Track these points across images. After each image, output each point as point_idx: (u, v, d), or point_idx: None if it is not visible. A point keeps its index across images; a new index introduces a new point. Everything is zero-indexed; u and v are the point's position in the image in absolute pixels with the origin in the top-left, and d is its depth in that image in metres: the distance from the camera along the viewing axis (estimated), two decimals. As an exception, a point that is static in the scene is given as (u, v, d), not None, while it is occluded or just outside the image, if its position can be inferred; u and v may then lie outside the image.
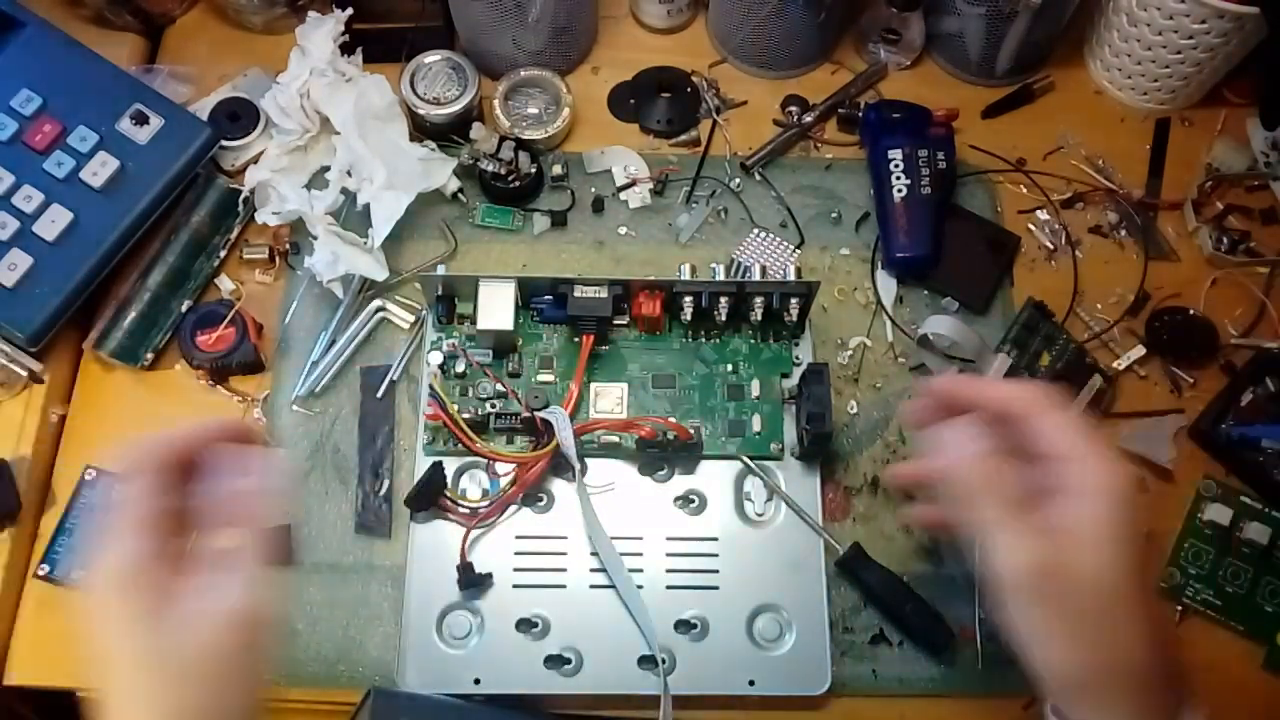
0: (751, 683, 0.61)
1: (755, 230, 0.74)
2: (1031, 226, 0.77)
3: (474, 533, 0.62)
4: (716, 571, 0.63)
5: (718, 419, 0.66)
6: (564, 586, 0.62)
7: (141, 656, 0.39)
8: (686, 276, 0.65)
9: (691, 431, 0.63)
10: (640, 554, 0.63)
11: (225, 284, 0.72)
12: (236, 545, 0.42)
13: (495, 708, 0.60)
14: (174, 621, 0.39)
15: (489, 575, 0.62)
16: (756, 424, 0.66)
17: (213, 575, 0.41)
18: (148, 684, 0.39)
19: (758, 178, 0.77)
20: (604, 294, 0.64)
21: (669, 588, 0.62)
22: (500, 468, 0.64)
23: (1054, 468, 0.45)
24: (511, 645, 0.61)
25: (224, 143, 0.73)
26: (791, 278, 0.65)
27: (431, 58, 0.75)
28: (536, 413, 0.62)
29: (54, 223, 0.65)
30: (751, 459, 0.65)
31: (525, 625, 0.61)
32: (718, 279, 0.66)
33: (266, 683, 0.42)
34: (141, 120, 0.68)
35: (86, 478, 0.62)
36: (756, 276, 0.67)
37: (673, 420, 0.64)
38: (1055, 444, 0.46)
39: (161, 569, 0.40)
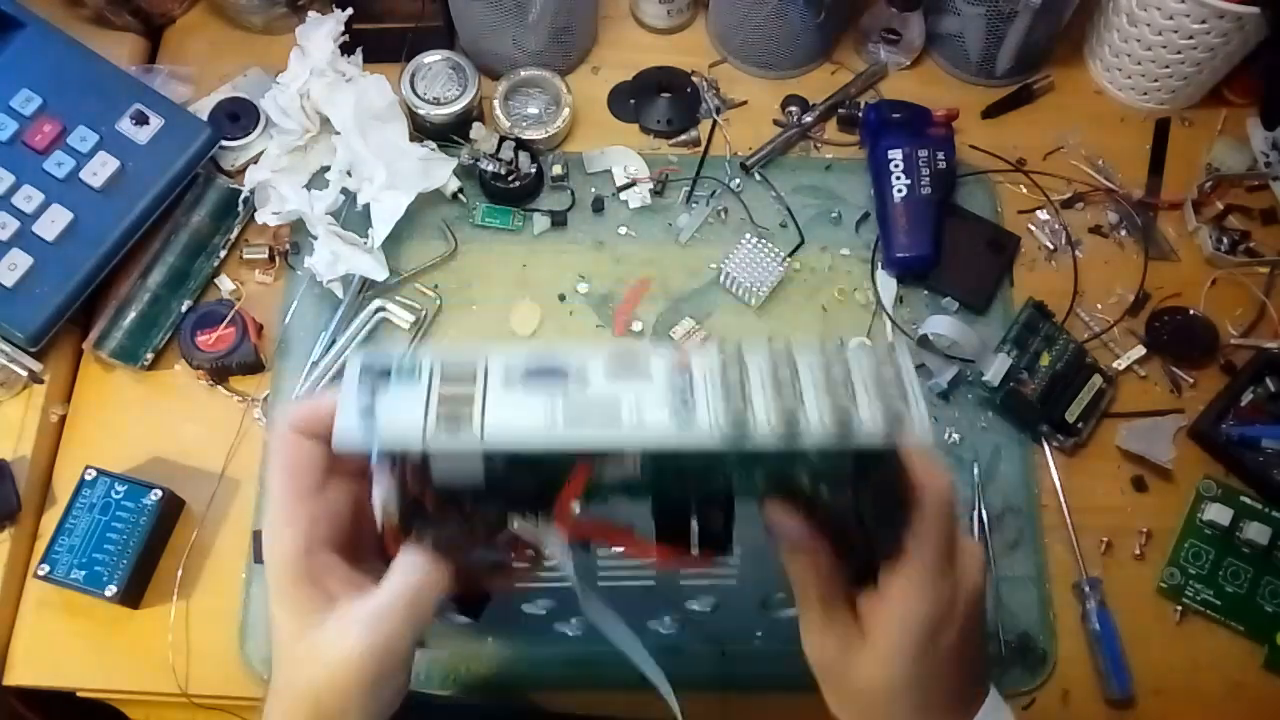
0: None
1: (746, 236, 0.74)
2: (1031, 226, 0.77)
3: None
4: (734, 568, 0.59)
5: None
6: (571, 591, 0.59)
7: (277, 677, 0.40)
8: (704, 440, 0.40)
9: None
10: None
11: (225, 284, 0.72)
12: (391, 577, 0.40)
13: (496, 707, 0.60)
14: (308, 645, 0.39)
15: (487, 597, 0.54)
16: None
17: (354, 603, 0.39)
18: (277, 706, 0.39)
19: (758, 178, 0.77)
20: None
21: (681, 583, 0.60)
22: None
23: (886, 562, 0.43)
24: (520, 645, 0.60)
25: (224, 143, 0.73)
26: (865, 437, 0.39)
27: (431, 58, 0.75)
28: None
29: (54, 223, 0.65)
30: None
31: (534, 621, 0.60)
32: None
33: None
34: (141, 120, 0.68)
35: (86, 478, 0.62)
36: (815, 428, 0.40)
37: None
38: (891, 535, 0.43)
39: (316, 574, 0.40)
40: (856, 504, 0.43)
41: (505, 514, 0.42)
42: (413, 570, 0.40)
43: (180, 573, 0.63)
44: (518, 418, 0.38)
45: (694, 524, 0.44)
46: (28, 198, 0.66)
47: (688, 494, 0.43)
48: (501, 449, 0.39)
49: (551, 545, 0.44)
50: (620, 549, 0.45)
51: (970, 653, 0.45)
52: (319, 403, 0.40)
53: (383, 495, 0.41)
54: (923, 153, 0.73)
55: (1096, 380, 0.70)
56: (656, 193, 0.76)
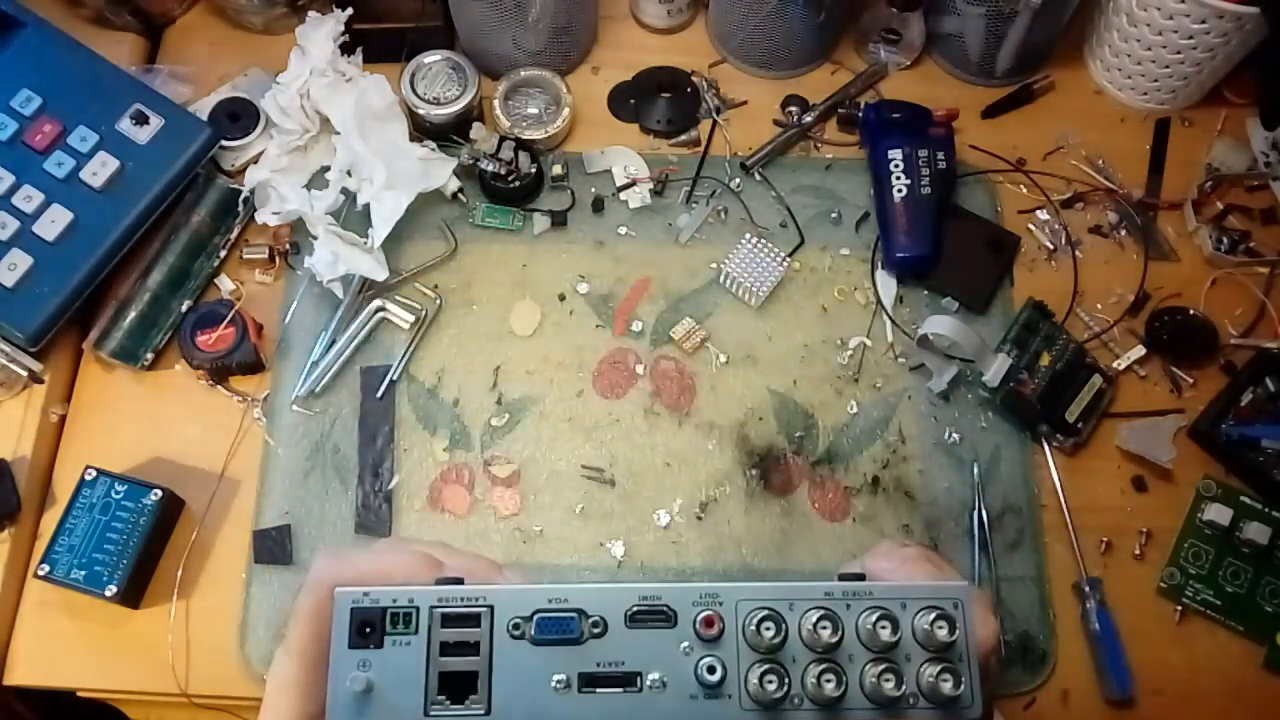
0: None
1: (746, 236, 0.74)
2: (1031, 226, 0.77)
3: None
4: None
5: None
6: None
7: None
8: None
9: None
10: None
11: (225, 284, 0.72)
12: None
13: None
14: None
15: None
16: None
17: None
18: None
19: (758, 178, 0.77)
20: None
21: None
22: None
23: None
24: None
25: (224, 143, 0.73)
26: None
27: (431, 58, 0.75)
28: None
29: (54, 223, 0.65)
30: None
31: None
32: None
33: None
34: (141, 120, 0.68)
35: (86, 478, 0.62)
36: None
37: None
38: None
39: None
40: None
41: None
42: None
43: (180, 573, 0.63)
44: (527, 688, 0.36)
45: None
46: (28, 198, 0.66)
47: None
48: None
49: None
50: None
51: None
52: (362, 570, 0.38)
53: None
54: (923, 153, 0.73)
55: (1096, 380, 0.70)
56: (656, 193, 0.76)
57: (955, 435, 0.70)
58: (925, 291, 0.74)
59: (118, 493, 0.62)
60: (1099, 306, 0.74)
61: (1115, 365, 0.72)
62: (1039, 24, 0.76)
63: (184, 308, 0.70)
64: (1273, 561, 0.66)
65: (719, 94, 0.81)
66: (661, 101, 0.79)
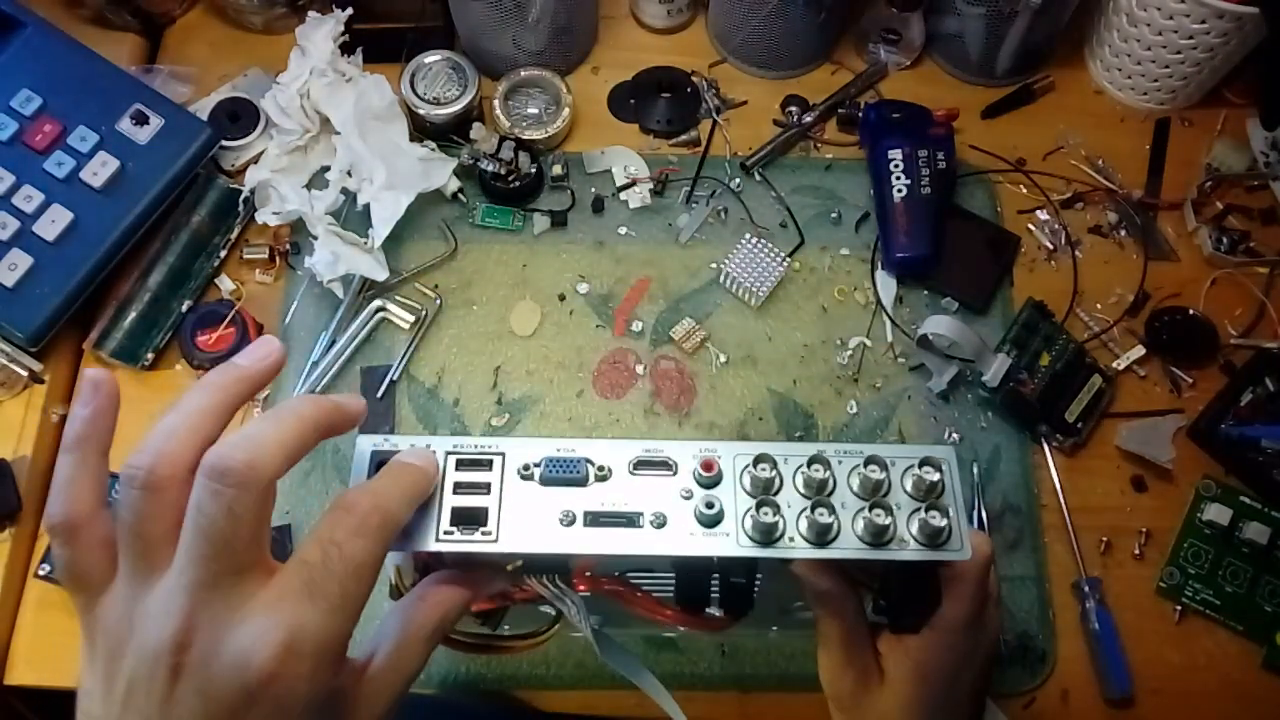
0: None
1: (746, 236, 0.74)
2: (1031, 226, 0.77)
3: None
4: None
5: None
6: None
7: None
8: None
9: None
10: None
11: (225, 284, 0.72)
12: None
13: (494, 707, 0.60)
14: None
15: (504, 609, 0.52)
16: None
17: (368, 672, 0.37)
18: None
19: (758, 178, 0.77)
20: None
21: None
22: None
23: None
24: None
25: (224, 143, 0.73)
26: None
27: (431, 58, 0.75)
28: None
29: (54, 223, 0.65)
30: None
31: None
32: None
33: None
34: (141, 120, 0.68)
35: (87, 478, 0.62)
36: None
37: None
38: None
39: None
40: (890, 571, 0.42)
41: (520, 574, 0.42)
42: (431, 607, 0.39)
43: (180, 573, 0.63)
44: (534, 522, 0.38)
45: (715, 589, 0.43)
46: (28, 198, 0.66)
47: (710, 567, 0.42)
48: (516, 554, 0.38)
49: (567, 606, 0.43)
50: (639, 612, 0.44)
51: (981, 686, 0.46)
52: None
53: (396, 560, 0.41)
54: (923, 153, 0.73)
55: (1096, 380, 0.70)
56: (656, 193, 0.76)
57: (955, 435, 0.70)
58: (925, 291, 0.74)
59: (118, 492, 0.62)
60: (1099, 306, 0.74)
61: (1115, 365, 0.72)
62: (1039, 24, 0.76)
63: (184, 308, 0.70)
64: (1272, 561, 0.66)
65: (719, 94, 0.81)
66: (661, 101, 0.79)
